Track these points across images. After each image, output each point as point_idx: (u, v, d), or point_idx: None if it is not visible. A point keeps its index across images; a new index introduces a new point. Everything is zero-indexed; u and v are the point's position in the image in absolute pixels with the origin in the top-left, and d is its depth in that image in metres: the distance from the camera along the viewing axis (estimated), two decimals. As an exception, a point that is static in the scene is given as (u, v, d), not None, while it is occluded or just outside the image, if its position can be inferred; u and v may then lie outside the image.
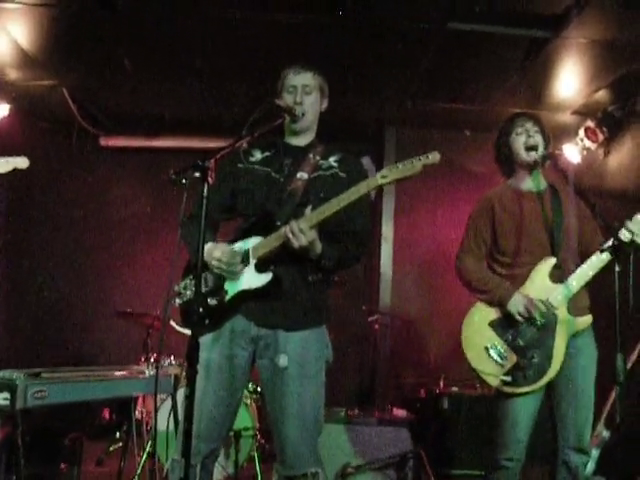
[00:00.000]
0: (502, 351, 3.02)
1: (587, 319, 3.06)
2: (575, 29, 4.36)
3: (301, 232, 2.42)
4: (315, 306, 2.67)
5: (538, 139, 3.16)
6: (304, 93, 2.74)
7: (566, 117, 5.90)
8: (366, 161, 6.65)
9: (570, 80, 5.27)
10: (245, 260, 2.59)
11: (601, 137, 5.63)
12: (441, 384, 5.49)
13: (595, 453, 4.59)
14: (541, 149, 3.16)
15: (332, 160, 2.78)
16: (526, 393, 2.99)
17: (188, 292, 2.70)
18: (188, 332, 2.53)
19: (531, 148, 3.14)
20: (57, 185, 7.00)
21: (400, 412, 4.82)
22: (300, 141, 2.82)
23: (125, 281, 6.90)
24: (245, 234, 2.65)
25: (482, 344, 3.06)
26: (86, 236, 6.91)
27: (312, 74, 2.78)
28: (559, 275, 3.04)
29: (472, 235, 3.25)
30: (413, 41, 4.73)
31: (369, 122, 6.58)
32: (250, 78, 5.43)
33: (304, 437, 2.54)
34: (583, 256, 3.07)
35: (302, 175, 2.68)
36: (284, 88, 2.77)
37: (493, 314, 3.11)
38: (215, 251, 2.59)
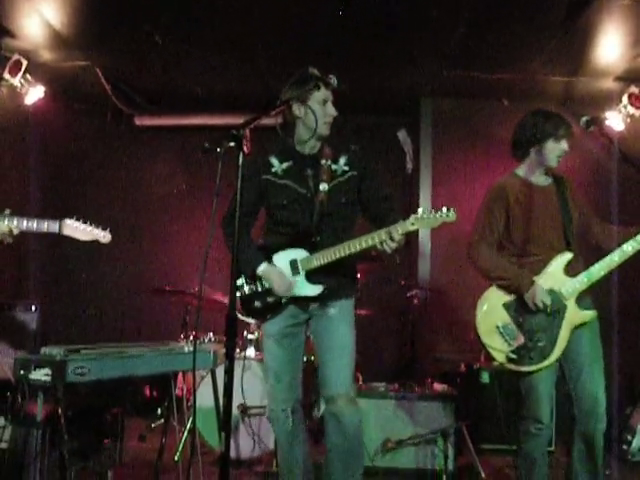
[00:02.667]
0: (512, 331, 3.24)
1: (592, 313, 3.24)
2: (617, -11, 4.21)
3: (398, 243, 2.84)
4: (350, 293, 3.26)
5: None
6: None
7: (609, 83, 5.73)
8: (402, 133, 6.57)
9: (612, 44, 5.10)
10: (294, 270, 3.10)
11: (646, 103, 5.47)
12: (482, 358, 5.42)
13: (641, 428, 4.51)
14: None
15: (342, 163, 3.16)
16: (540, 370, 3.20)
17: (246, 288, 3.19)
18: (249, 320, 3.43)
19: (560, 157, 3.29)
20: (93, 165, 7.06)
21: (440, 387, 4.78)
22: (313, 148, 3.16)
23: (163, 259, 6.95)
24: (286, 244, 3.13)
25: (494, 322, 3.29)
26: (122, 215, 6.95)
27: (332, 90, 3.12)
28: (572, 268, 3.24)
29: (487, 222, 3.36)
30: (448, 7, 4.61)
31: (404, 93, 6.45)
32: (284, 51, 5.36)
33: (345, 365, 3.11)
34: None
35: (324, 187, 3.08)
36: (314, 100, 3.03)
37: (508, 296, 3.30)
38: (273, 277, 3.10)
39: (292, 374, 3.20)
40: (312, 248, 3.08)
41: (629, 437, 4.59)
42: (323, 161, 3.12)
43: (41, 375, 2.91)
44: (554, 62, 5.46)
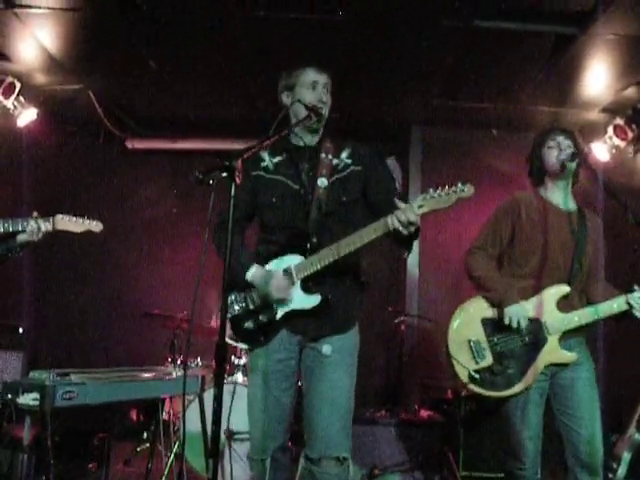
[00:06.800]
0: (482, 349, 3.06)
1: (572, 356, 3.02)
2: (602, 25, 4.29)
3: (412, 224, 2.40)
4: (354, 310, 2.78)
5: (570, 152, 3.12)
6: (327, 91, 2.78)
7: (594, 115, 5.83)
8: (391, 161, 6.62)
9: (598, 77, 5.19)
10: (289, 279, 2.65)
11: (631, 135, 5.57)
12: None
13: (627, 456, 4.51)
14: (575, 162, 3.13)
15: (344, 157, 2.78)
16: (509, 398, 3.01)
17: (236, 307, 2.77)
18: (241, 345, 2.81)
19: (563, 163, 3.11)
20: (84, 187, 7.06)
21: (427, 413, 4.79)
22: (311, 141, 2.81)
23: (152, 283, 6.93)
24: (279, 251, 2.71)
25: (467, 336, 3.10)
26: (113, 238, 6.94)
27: (327, 75, 2.80)
28: (567, 304, 3.05)
29: (491, 232, 3.22)
30: (438, 39, 4.69)
31: (395, 122, 6.53)
32: (274, 78, 5.41)
33: (337, 421, 2.60)
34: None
35: (322, 182, 2.69)
36: (302, 84, 2.77)
37: (489, 312, 3.12)
38: (271, 281, 2.64)
39: (276, 419, 2.69)
40: (309, 252, 2.63)
41: (614, 465, 4.59)
42: (323, 155, 2.73)
43: (29, 399, 2.90)
44: (542, 93, 5.55)
